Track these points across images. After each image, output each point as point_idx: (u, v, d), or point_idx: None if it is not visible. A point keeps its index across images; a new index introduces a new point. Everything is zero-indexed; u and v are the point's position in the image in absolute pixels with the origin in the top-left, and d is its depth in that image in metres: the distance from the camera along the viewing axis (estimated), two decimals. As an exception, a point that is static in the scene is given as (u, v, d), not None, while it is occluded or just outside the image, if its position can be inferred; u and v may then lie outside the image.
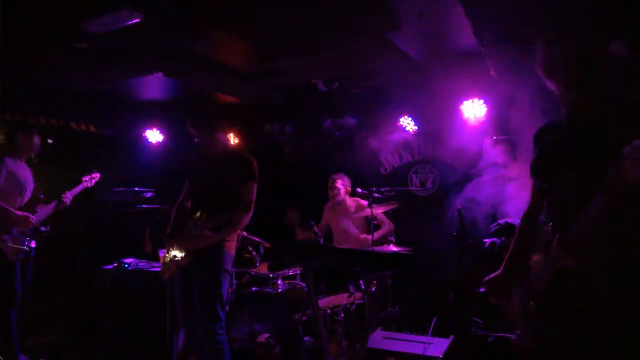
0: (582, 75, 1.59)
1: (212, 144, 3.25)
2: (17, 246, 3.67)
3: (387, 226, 4.63)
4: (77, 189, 4.13)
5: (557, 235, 1.51)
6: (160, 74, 4.39)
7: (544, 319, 1.61)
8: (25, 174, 3.90)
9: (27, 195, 3.88)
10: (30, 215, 3.73)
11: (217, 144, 3.26)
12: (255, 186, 3.15)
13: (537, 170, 1.73)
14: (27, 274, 3.88)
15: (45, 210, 3.89)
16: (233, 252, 3.21)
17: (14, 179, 3.78)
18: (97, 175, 4.28)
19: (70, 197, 4.02)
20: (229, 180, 3.12)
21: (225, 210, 3.02)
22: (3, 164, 3.75)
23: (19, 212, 3.68)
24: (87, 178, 4.21)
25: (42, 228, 3.89)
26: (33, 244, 3.90)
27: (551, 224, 1.59)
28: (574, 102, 1.63)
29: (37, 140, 3.98)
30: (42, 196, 3.99)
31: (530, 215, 1.87)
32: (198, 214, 3.12)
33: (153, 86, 5.02)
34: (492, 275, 1.93)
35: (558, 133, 1.68)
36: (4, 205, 3.65)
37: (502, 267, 1.92)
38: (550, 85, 1.66)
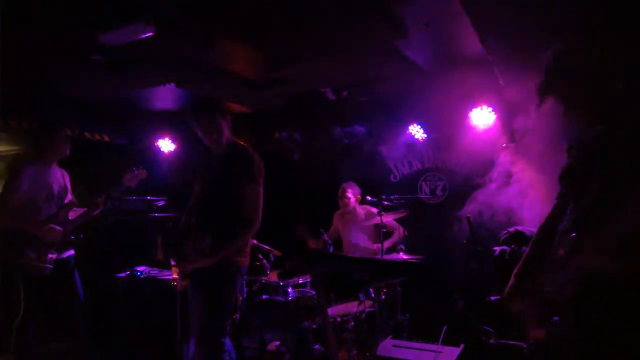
0: (601, 110, 1.59)
1: (214, 141, 2.92)
2: (40, 264, 3.45)
3: (398, 233, 4.63)
4: (119, 190, 3.81)
5: (584, 242, 1.50)
6: (172, 84, 4.46)
7: (567, 328, 1.58)
8: (53, 179, 3.64)
9: (56, 202, 3.63)
10: (56, 228, 3.51)
11: (220, 140, 2.92)
12: (258, 189, 2.84)
13: (565, 177, 1.74)
14: (77, 285, 3.72)
15: (76, 217, 3.65)
16: (245, 263, 2.94)
17: (37, 188, 3.54)
18: (139, 173, 3.85)
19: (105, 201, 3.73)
20: (227, 185, 2.82)
21: (224, 223, 2.76)
22: (23, 175, 3.49)
23: (45, 226, 3.46)
24: (128, 176, 3.82)
25: (72, 237, 3.69)
26: (71, 252, 3.74)
27: (575, 233, 1.58)
28: (595, 122, 1.64)
29: (62, 142, 3.69)
30: (74, 201, 3.76)
31: (550, 223, 1.86)
32: (197, 226, 2.85)
33: (165, 96, 5.09)
34: (508, 285, 1.91)
35: (588, 146, 1.69)
36: (26, 219, 3.44)
37: (514, 276, 1.91)
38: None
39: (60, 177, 3.73)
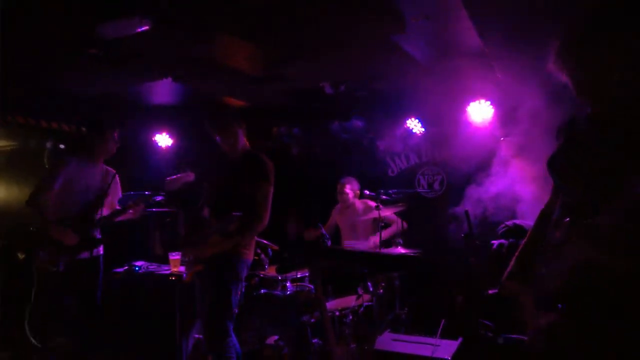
0: (607, 91, 1.58)
1: (231, 145, 3.19)
2: (49, 264, 3.32)
3: (396, 225, 4.63)
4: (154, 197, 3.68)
5: (577, 230, 1.48)
6: (169, 79, 4.44)
7: (562, 319, 1.56)
8: (91, 180, 3.56)
9: (90, 203, 3.53)
10: (70, 233, 3.36)
11: (236, 145, 3.19)
12: (270, 189, 3.08)
13: (553, 165, 1.71)
14: (96, 288, 3.61)
15: (101, 218, 3.53)
16: (250, 257, 3.14)
17: (72, 187, 3.46)
18: (182, 176, 3.71)
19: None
20: (242, 184, 3.05)
21: (236, 215, 2.93)
22: (59, 174, 3.43)
23: (61, 228, 3.34)
24: (169, 180, 3.72)
25: (99, 236, 3.62)
26: (101, 250, 3.62)
27: (568, 219, 1.56)
28: (596, 105, 1.63)
29: (113, 141, 3.66)
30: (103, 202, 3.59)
31: (545, 213, 1.85)
32: (211, 218, 3.08)
33: (162, 91, 5.07)
34: (506, 274, 1.91)
35: (578, 130, 1.68)
36: (50, 217, 3.35)
37: (512, 265, 1.90)
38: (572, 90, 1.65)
39: (100, 178, 3.62)
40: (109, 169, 3.74)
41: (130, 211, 3.59)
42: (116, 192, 3.75)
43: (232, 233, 2.93)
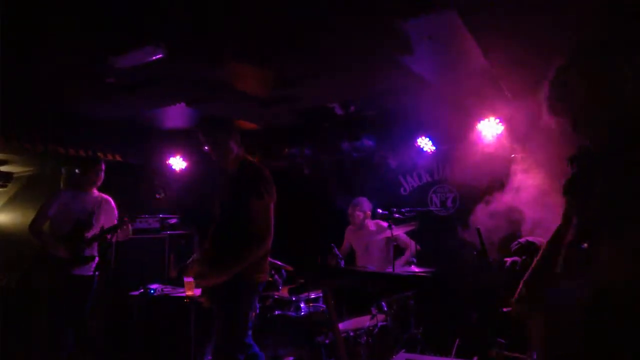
0: (604, 120, 1.59)
1: (221, 156, 3.01)
2: (54, 279, 3.78)
3: (410, 251, 4.61)
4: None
5: (602, 250, 1.48)
6: (182, 104, 4.54)
7: (578, 340, 1.55)
8: (82, 206, 3.99)
9: (82, 226, 3.95)
10: (62, 248, 3.80)
11: (227, 156, 3.01)
12: (264, 204, 2.86)
13: (568, 188, 1.74)
14: (87, 303, 3.91)
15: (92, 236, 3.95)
16: (263, 279, 2.97)
17: (66, 213, 3.91)
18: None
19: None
20: (237, 200, 2.88)
21: (234, 241, 2.82)
22: (53, 201, 3.92)
23: (54, 244, 3.80)
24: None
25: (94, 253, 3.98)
26: (90, 271, 3.92)
27: (586, 244, 1.56)
28: (595, 136, 1.65)
29: (97, 173, 4.10)
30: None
31: (558, 235, 1.85)
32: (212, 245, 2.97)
33: (176, 115, 5.17)
34: (517, 293, 1.90)
35: (588, 159, 1.70)
36: (48, 239, 3.82)
37: (524, 285, 1.90)
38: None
39: (92, 203, 4.05)
40: (104, 195, 4.18)
41: (119, 230, 3.94)
42: (110, 214, 4.15)
43: (223, 269, 2.77)
